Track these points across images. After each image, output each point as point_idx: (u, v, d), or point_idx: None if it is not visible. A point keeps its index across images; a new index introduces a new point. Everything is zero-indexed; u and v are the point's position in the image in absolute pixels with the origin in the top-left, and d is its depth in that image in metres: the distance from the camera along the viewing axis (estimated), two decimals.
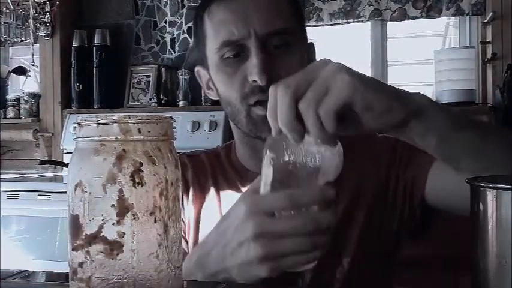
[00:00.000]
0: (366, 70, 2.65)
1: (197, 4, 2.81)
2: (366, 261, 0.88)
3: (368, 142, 0.91)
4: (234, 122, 0.91)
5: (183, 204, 0.92)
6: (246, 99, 0.84)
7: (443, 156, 0.68)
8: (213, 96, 0.94)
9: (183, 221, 0.92)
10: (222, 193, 0.93)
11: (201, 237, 0.90)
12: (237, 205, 0.66)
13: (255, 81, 0.82)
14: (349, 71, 0.58)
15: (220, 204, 0.92)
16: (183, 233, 0.91)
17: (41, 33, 2.82)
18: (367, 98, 0.58)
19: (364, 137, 0.88)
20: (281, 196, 0.61)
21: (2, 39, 2.84)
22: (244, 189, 0.91)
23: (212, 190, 0.93)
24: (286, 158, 0.61)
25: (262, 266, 0.62)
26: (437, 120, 0.63)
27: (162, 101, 2.75)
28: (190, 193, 0.94)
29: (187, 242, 0.93)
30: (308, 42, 0.94)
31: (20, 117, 2.97)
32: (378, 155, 0.91)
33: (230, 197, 0.92)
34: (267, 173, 0.62)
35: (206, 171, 0.96)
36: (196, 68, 0.96)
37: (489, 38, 2.39)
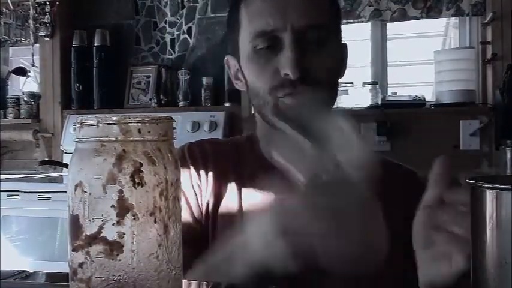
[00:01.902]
0: (366, 70, 2.65)
1: (198, 3, 2.82)
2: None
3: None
4: (260, 114, 0.90)
5: (200, 188, 0.91)
6: (275, 91, 0.84)
7: None
8: (240, 86, 0.94)
9: (199, 206, 0.91)
10: (242, 182, 0.91)
11: (219, 225, 0.89)
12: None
13: (286, 74, 0.81)
14: None
15: (241, 194, 0.90)
16: (199, 216, 0.90)
17: (41, 34, 2.82)
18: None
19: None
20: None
21: (2, 40, 2.84)
22: (264, 181, 0.88)
23: (233, 178, 0.91)
24: None
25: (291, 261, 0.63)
26: None
27: (162, 102, 2.75)
28: (210, 179, 0.92)
29: (201, 225, 0.91)
30: (342, 42, 0.94)
31: (20, 118, 2.97)
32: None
33: (250, 187, 0.89)
34: None
35: (227, 160, 0.94)
36: (226, 58, 0.96)
37: (489, 39, 2.39)
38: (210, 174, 0.92)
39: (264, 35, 0.83)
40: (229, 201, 0.90)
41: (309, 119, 0.81)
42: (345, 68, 0.94)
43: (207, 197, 0.91)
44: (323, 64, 0.83)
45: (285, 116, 0.84)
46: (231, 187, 0.91)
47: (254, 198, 0.88)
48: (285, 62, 0.81)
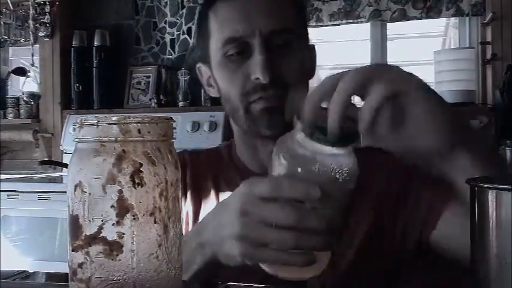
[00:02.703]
0: None
1: (198, 3, 2.82)
2: (365, 266, 0.87)
3: (387, 163, 0.89)
4: (233, 119, 0.91)
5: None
6: (246, 97, 0.85)
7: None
8: (213, 93, 0.95)
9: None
10: (221, 192, 0.93)
11: None
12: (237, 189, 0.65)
13: (257, 78, 0.83)
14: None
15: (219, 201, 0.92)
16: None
17: (41, 34, 2.82)
18: (420, 97, 0.59)
19: (382, 156, 0.87)
20: (267, 183, 0.60)
21: (2, 40, 2.84)
22: None
23: (211, 188, 0.93)
24: (299, 163, 0.59)
25: (238, 244, 0.61)
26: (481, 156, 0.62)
27: (162, 102, 2.75)
28: (188, 190, 0.94)
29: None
30: (309, 44, 0.96)
31: (19, 118, 2.97)
32: (393, 174, 0.89)
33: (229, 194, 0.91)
34: (279, 170, 0.61)
35: (205, 169, 0.96)
36: (198, 65, 0.97)
37: (489, 39, 2.39)
38: (189, 184, 0.94)
39: (233, 41, 0.85)
40: (208, 209, 0.91)
41: (280, 122, 0.82)
42: (315, 69, 0.96)
43: (186, 207, 0.93)
44: (292, 67, 0.85)
45: (256, 120, 0.85)
46: (210, 195, 0.93)
47: None
48: (255, 67, 0.83)
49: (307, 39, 0.94)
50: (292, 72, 0.85)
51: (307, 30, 0.94)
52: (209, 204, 0.92)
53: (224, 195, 0.92)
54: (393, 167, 0.89)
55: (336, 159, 0.58)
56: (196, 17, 2.82)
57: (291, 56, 0.86)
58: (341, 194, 0.59)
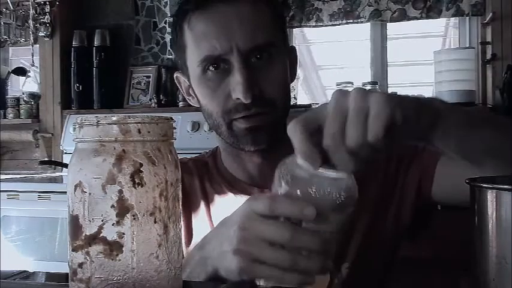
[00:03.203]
0: (366, 70, 2.65)
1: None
2: (365, 267, 0.87)
3: None
4: (216, 133, 0.89)
5: None
6: (228, 114, 0.83)
7: (463, 155, 0.68)
8: (193, 103, 0.93)
9: None
10: (210, 200, 0.93)
11: (193, 243, 0.91)
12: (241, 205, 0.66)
13: (238, 98, 0.80)
14: (372, 91, 0.58)
15: (210, 211, 0.92)
16: None
17: (41, 34, 2.82)
18: (404, 111, 0.57)
19: None
20: (265, 201, 0.60)
21: (2, 40, 2.84)
22: (233, 196, 0.91)
23: (201, 200, 0.93)
24: (304, 186, 0.59)
25: (236, 259, 0.61)
26: (454, 121, 0.63)
27: (162, 102, 2.75)
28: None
29: None
30: (290, 46, 0.93)
31: (20, 118, 2.97)
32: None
33: (219, 204, 0.91)
34: (280, 191, 0.61)
35: (194, 178, 0.95)
36: (176, 74, 0.95)
37: (489, 39, 2.39)
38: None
39: (211, 59, 0.82)
40: (199, 219, 0.92)
41: (265, 139, 0.83)
42: (296, 71, 0.95)
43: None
44: (275, 80, 0.83)
45: (240, 138, 0.84)
46: (200, 206, 0.93)
47: (221, 212, 0.89)
48: (235, 86, 0.80)
49: (286, 44, 0.91)
50: (275, 86, 0.83)
51: (286, 35, 0.91)
52: (199, 215, 0.92)
53: (214, 205, 0.92)
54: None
55: (335, 182, 0.58)
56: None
57: (273, 69, 0.83)
58: (339, 217, 0.60)
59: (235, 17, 0.81)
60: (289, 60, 0.90)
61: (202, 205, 0.93)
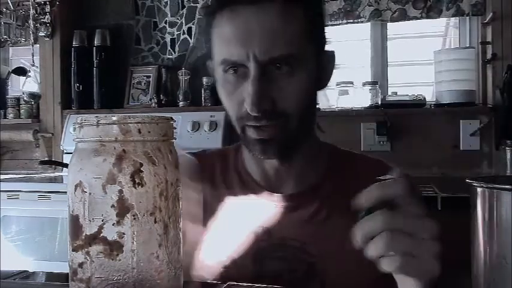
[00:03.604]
0: (366, 70, 2.65)
1: (198, 3, 2.81)
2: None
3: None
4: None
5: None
6: (241, 120, 0.82)
7: None
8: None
9: None
10: (220, 195, 0.92)
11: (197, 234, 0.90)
12: None
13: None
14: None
15: (222, 206, 0.91)
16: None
17: (41, 34, 2.82)
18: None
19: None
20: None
21: (2, 40, 2.84)
22: (242, 196, 0.90)
23: (217, 190, 0.92)
24: None
25: None
26: None
27: (162, 102, 2.75)
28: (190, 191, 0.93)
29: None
30: (327, 52, 0.88)
31: (20, 118, 2.97)
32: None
33: (232, 199, 0.90)
34: None
35: (212, 170, 0.94)
36: (208, 62, 0.93)
37: (489, 39, 2.39)
38: (196, 187, 0.93)
39: (229, 62, 0.80)
40: (214, 212, 0.91)
41: (275, 151, 0.82)
42: (329, 77, 0.89)
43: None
44: (292, 94, 0.79)
45: (251, 146, 0.83)
46: (215, 198, 0.92)
47: (233, 209, 0.90)
48: (246, 97, 0.78)
49: (314, 55, 0.84)
50: (292, 98, 0.80)
51: (320, 41, 0.86)
52: (214, 208, 0.91)
53: (227, 200, 0.91)
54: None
55: None
56: (199, 21, 2.82)
57: (293, 81, 0.79)
58: None
59: (257, 24, 0.78)
60: (321, 67, 0.85)
61: (212, 197, 0.92)
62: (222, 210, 0.90)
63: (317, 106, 0.92)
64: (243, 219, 0.88)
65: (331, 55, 0.89)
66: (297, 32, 0.80)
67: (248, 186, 0.90)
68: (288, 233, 0.85)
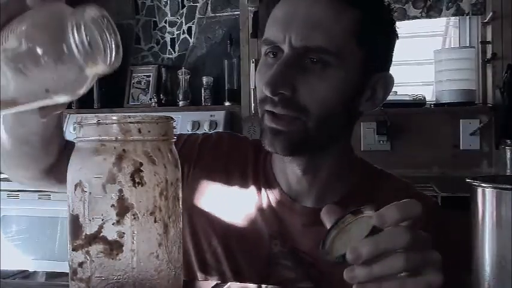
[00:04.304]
0: None
1: (198, 3, 2.82)
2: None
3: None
4: None
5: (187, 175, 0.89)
6: (262, 104, 0.79)
7: None
8: None
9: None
10: (233, 183, 0.89)
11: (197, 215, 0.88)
12: None
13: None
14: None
15: (237, 193, 0.88)
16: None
17: None
18: None
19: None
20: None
21: None
22: (260, 193, 0.86)
23: (224, 176, 0.89)
24: None
25: None
26: None
27: (162, 101, 2.75)
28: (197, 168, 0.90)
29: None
30: (381, 73, 0.82)
31: None
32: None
33: (249, 190, 0.87)
34: None
35: (242, 156, 0.90)
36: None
37: (489, 38, 2.39)
38: (199, 165, 0.90)
39: (267, 42, 0.79)
40: (213, 196, 0.89)
41: (285, 147, 0.77)
42: (377, 101, 0.82)
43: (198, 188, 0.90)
44: (317, 92, 0.75)
45: (264, 133, 0.79)
46: (232, 184, 0.89)
47: (248, 205, 0.86)
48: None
49: (369, 60, 0.78)
50: (316, 97, 0.75)
51: (374, 51, 0.79)
52: (215, 190, 0.88)
53: (242, 190, 0.88)
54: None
55: None
56: (199, 21, 2.82)
57: (322, 80, 0.75)
58: None
59: (304, 10, 0.76)
60: (368, 80, 0.80)
61: (223, 180, 0.89)
62: (235, 203, 0.87)
63: (355, 123, 0.86)
64: (256, 219, 0.85)
65: (385, 77, 0.83)
66: (344, 31, 0.76)
67: (270, 186, 0.86)
68: (301, 245, 0.82)
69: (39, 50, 0.43)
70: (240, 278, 0.83)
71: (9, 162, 0.77)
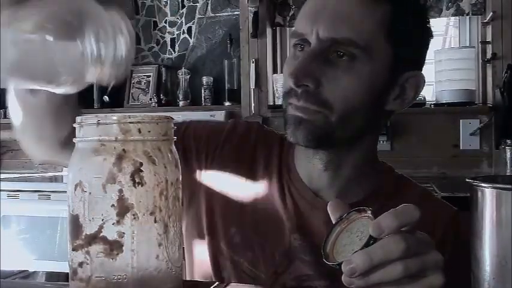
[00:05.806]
0: None
1: (198, 3, 2.82)
2: None
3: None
4: None
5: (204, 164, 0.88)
6: (286, 96, 0.78)
7: None
8: None
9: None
10: (255, 173, 0.87)
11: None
12: None
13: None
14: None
15: (255, 186, 0.86)
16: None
17: None
18: None
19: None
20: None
21: None
22: (281, 186, 0.85)
23: (248, 166, 0.88)
24: None
25: None
26: None
27: (162, 101, 2.75)
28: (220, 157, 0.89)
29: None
30: (411, 71, 0.82)
31: None
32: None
33: (268, 184, 0.86)
34: None
35: (268, 146, 0.89)
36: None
37: (489, 38, 2.39)
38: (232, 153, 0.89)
39: (295, 34, 0.78)
40: (230, 184, 0.88)
41: (304, 137, 0.76)
42: (406, 100, 0.83)
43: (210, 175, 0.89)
44: (341, 88, 0.74)
45: (286, 125, 0.78)
46: (241, 173, 0.88)
47: (271, 196, 0.85)
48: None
49: (399, 56, 0.78)
50: (339, 93, 0.74)
51: (406, 48, 0.80)
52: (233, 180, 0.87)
53: (261, 182, 0.87)
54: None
55: None
56: (199, 20, 2.82)
57: (348, 76, 0.74)
58: None
59: (332, 2, 0.75)
60: (396, 78, 0.79)
61: (241, 171, 0.88)
62: (257, 193, 0.86)
63: (382, 123, 0.86)
64: (277, 211, 0.84)
65: (416, 76, 0.83)
66: (372, 25, 0.75)
67: (292, 180, 0.85)
68: (319, 241, 0.82)
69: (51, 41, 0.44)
70: (255, 269, 0.82)
71: (28, 135, 0.82)
